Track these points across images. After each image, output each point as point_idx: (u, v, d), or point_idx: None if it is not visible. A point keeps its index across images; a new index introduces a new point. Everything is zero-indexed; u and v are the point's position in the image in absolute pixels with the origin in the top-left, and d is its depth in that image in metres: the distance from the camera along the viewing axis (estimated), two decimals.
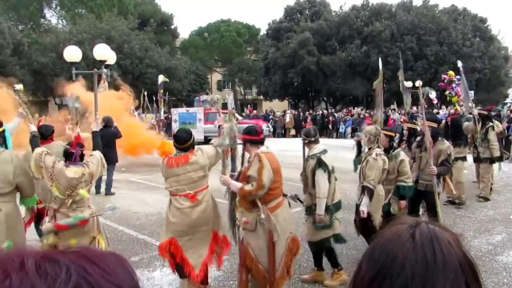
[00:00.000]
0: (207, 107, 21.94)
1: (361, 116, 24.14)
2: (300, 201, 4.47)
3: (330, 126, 25.81)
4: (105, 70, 9.83)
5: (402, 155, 5.11)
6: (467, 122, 8.30)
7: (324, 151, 4.45)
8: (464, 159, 8.18)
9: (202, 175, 3.95)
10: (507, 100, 39.98)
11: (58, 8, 35.80)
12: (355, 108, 27.74)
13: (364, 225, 4.75)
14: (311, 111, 30.02)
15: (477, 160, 8.45)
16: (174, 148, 4.07)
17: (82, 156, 4.08)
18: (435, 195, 5.49)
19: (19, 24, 33.76)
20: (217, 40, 39.53)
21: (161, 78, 21.08)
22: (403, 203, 5.10)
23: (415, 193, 5.53)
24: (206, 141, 20.26)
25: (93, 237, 4.07)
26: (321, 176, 4.26)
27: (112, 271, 0.52)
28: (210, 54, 41.48)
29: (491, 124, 8.23)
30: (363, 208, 4.61)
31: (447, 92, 9.80)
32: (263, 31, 40.97)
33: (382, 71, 6.31)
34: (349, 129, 24.26)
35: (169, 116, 22.43)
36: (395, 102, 26.72)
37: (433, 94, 12.80)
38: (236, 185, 3.81)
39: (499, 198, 8.41)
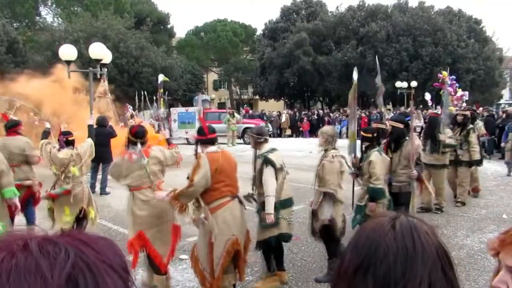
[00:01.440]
0: (207, 106, 21.91)
1: (357, 116, 24.22)
2: (255, 200, 4.50)
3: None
4: (105, 69, 9.82)
5: (373, 156, 4.93)
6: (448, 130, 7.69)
7: (272, 150, 4.42)
8: (443, 166, 7.49)
9: (160, 169, 4.23)
10: (501, 101, 40.24)
11: (54, 6, 35.65)
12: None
13: (327, 231, 4.63)
14: (306, 111, 30.08)
15: (456, 163, 7.88)
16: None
17: (69, 142, 5.24)
18: (413, 196, 5.33)
19: (14, 21, 33.56)
20: (214, 39, 39.54)
21: (161, 77, 21.06)
22: (372, 205, 4.88)
23: (390, 197, 5.37)
24: None
25: (82, 207, 5.16)
26: (268, 174, 4.22)
27: (104, 252, 0.57)
28: (206, 54, 41.47)
29: (471, 126, 7.97)
30: (327, 215, 4.57)
31: (441, 92, 9.88)
32: (259, 31, 41.03)
33: (356, 82, 6.17)
34: (344, 129, 24.33)
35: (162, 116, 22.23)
36: (390, 103, 26.83)
37: (428, 96, 12.88)
38: (167, 193, 3.92)
39: (492, 197, 8.48)
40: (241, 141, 20.36)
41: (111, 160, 9.32)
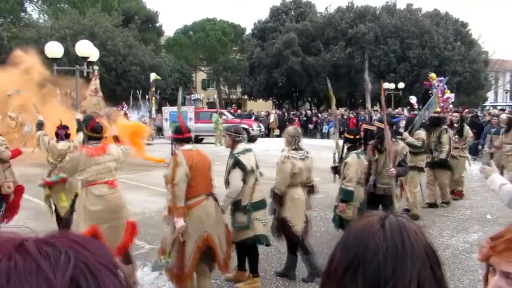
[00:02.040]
0: (199, 105, 21.76)
1: (345, 117, 24.36)
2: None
3: (313, 126, 26.06)
4: (96, 67, 9.72)
5: (349, 157, 4.93)
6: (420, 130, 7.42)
7: (246, 151, 4.39)
8: (415, 168, 7.11)
9: (115, 166, 4.40)
10: (486, 103, 40.87)
11: (40, 2, 35.14)
12: (339, 109, 27.98)
13: (280, 229, 4.60)
14: (295, 112, 30.18)
15: (432, 165, 7.74)
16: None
17: (67, 135, 5.81)
18: (394, 198, 5.27)
19: None
20: (202, 38, 39.42)
21: (153, 76, 20.98)
22: (341, 205, 4.89)
23: (373, 198, 5.39)
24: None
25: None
26: (234, 176, 4.21)
27: (98, 253, 0.56)
28: (195, 53, 41.33)
29: (444, 127, 7.77)
30: (276, 214, 4.57)
31: (430, 92, 10.02)
32: (248, 31, 41.03)
33: (331, 93, 6.17)
34: (332, 130, 24.49)
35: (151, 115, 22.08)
36: (377, 103, 27.01)
37: (413, 99, 13.08)
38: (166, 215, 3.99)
39: (476, 198, 8.60)
40: None
41: None
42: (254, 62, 35.98)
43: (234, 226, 4.34)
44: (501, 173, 9.06)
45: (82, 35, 21.66)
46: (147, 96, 21.21)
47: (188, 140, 4.05)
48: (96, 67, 13.79)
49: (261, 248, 4.65)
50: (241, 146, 4.41)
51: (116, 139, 4.89)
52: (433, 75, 10.83)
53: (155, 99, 20.91)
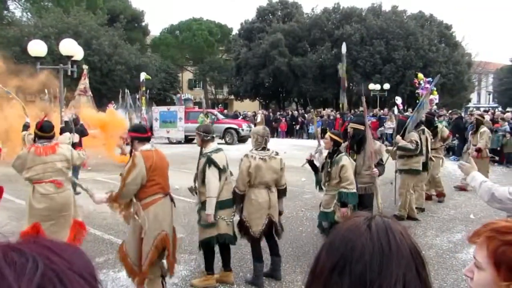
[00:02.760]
0: (190, 105, 21.63)
1: (331, 117, 24.50)
2: (197, 193, 4.53)
3: (299, 126, 26.17)
4: (85, 66, 9.61)
5: (344, 160, 4.86)
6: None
7: (217, 150, 4.40)
8: (409, 171, 7.09)
9: (66, 166, 4.48)
10: (470, 105, 41.55)
11: (23, 0, 34.56)
12: (325, 109, 28.15)
13: (243, 230, 4.55)
14: (281, 112, 30.24)
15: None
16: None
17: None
18: (377, 196, 5.24)
19: None
20: (189, 38, 39.25)
21: (143, 76, 20.78)
22: (344, 210, 4.80)
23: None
24: (187, 140, 20.00)
25: None
26: (211, 175, 4.21)
27: (73, 260, 0.54)
28: (181, 53, 41.14)
29: (422, 127, 7.52)
30: (238, 214, 4.56)
31: (417, 94, 10.09)
32: (235, 31, 41.00)
33: (312, 112, 6.16)
34: (319, 130, 24.60)
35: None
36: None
37: (399, 100, 13.20)
38: (105, 196, 3.96)
39: (460, 198, 8.72)
40: (223, 141, 20.34)
41: None
42: (241, 62, 35.97)
43: (200, 224, 4.36)
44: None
45: (66, 34, 21.33)
46: (137, 96, 21.02)
47: (148, 140, 4.05)
48: (85, 67, 13.67)
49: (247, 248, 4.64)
50: (213, 145, 4.44)
51: (75, 145, 5.02)
52: (420, 75, 10.96)
53: (145, 98, 20.73)
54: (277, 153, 4.59)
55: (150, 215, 3.81)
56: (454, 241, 5.99)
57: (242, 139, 20.16)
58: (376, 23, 32.74)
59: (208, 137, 4.42)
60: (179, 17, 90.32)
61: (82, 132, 9.06)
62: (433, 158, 8.02)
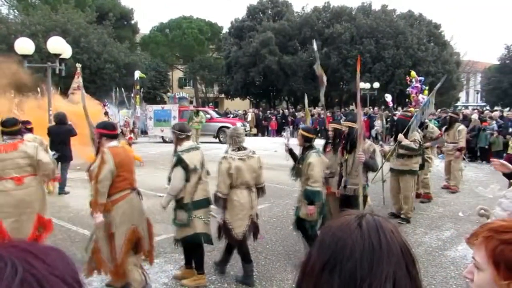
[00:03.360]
0: (185, 104, 21.54)
1: (321, 116, 24.55)
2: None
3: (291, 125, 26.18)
4: (79, 65, 9.49)
5: (312, 157, 4.80)
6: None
7: (190, 149, 4.39)
8: (410, 172, 6.90)
9: (28, 163, 4.48)
10: (458, 104, 41.97)
11: None
12: (315, 108, 28.22)
13: (225, 233, 4.49)
14: (272, 111, 30.24)
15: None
16: None
17: (28, 130, 6.01)
18: (360, 199, 5.02)
19: None
20: (179, 36, 39.06)
21: (137, 74, 20.65)
22: (311, 208, 4.75)
23: (344, 199, 5.31)
24: None
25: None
26: (176, 173, 4.25)
27: (55, 264, 0.52)
28: (171, 51, 40.92)
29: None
30: (218, 217, 4.54)
31: (407, 90, 10.08)
32: (225, 29, 40.89)
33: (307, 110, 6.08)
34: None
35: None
36: (354, 103, 27.29)
37: (389, 98, 13.27)
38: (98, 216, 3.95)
39: (449, 196, 8.80)
40: (217, 140, 20.23)
41: (71, 159, 9.01)
42: (231, 61, 35.91)
43: (175, 223, 4.39)
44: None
45: (54, 32, 21.05)
46: (131, 94, 20.88)
47: (115, 137, 4.14)
48: (79, 65, 13.50)
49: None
50: (187, 144, 4.41)
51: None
52: (413, 73, 11.02)
53: (139, 97, 20.57)
54: (254, 152, 4.56)
55: (120, 210, 3.93)
56: (443, 239, 6.04)
57: None
58: (366, 22, 32.90)
59: (183, 136, 4.43)
60: (169, 15, 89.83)
61: (70, 132, 8.93)
62: (428, 159, 8.01)
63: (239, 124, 21.07)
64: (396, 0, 63.95)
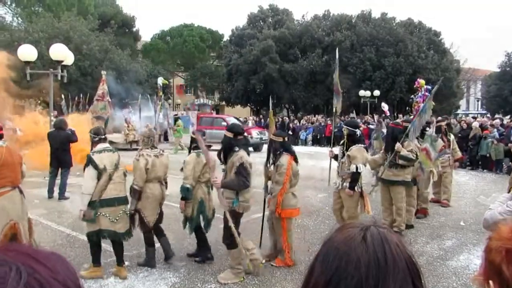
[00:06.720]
0: (207, 110, 21.44)
1: (322, 124, 24.58)
2: None
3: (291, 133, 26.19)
4: (104, 72, 9.54)
5: (188, 156, 5.21)
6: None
7: (103, 150, 4.72)
8: (402, 183, 6.56)
9: None
10: (459, 111, 41.98)
11: (14, 5, 34.29)
12: (316, 116, 28.26)
13: (139, 221, 5.00)
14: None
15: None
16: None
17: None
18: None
19: None
20: (180, 44, 39.21)
21: (160, 80, 20.69)
22: (181, 203, 5.22)
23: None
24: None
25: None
26: (87, 174, 4.58)
27: (57, 269, 0.53)
28: (172, 58, 41.06)
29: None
30: (131, 207, 4.90)
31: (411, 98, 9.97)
32: (226, 37, 41.05)
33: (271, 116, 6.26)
34: (310, 136, 24.67)
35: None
36: (354, 111, 27.37)
37: (385, 107, 13.19)
38: None
39: (450, 205, 8.75)
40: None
41: (71, 165, 8.99)
42: (232, 69, 36.02)
43: (82, 220, 4.71)
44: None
45: (56, 39, 21.13)
46: (155, 99, 20.75)
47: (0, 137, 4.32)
48: (104, 72, 13.61)
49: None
50: (101, 146, 4.79)
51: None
52: (422, 81, 10.82)
53: (161, 104, 20.46)
54: (163, 151, 5.23)
55: None
56: (445, 248, 6.00)
57: (253, 147, 18.46)
58: (366, 30, 33.04)
59: (96, 139, 4.87)
60: (170, 23, 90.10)
61: (69, 137, 8.90)
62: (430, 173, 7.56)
63: (255, 132, 20.38)
64: (396, 8, 64.32)
